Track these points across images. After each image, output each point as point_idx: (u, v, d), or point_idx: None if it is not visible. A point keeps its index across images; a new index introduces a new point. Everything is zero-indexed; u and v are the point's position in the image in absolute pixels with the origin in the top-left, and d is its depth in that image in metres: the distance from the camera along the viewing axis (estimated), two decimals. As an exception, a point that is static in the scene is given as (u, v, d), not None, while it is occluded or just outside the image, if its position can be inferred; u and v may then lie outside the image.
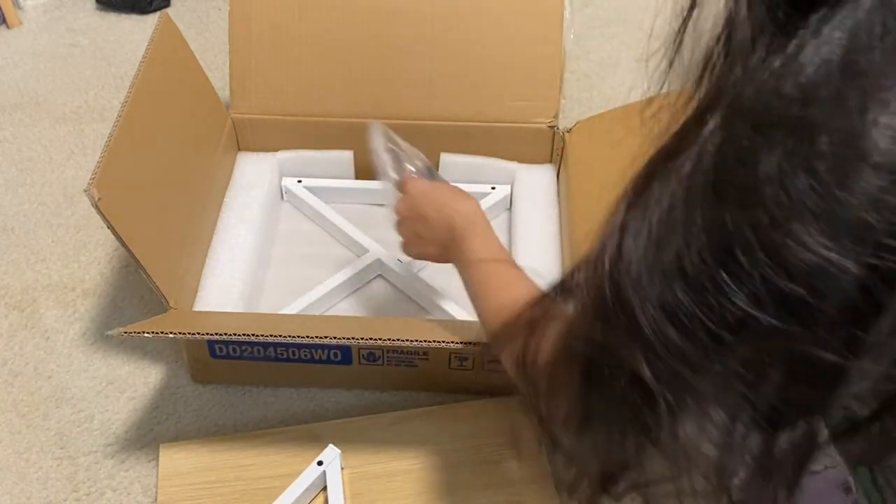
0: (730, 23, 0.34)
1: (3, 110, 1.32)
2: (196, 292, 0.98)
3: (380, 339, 0.80)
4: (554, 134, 1.10)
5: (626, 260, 0.37)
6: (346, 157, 1.12)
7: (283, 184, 1.14)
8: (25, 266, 1.11)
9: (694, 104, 0.37)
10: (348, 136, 1.10)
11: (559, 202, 1.08)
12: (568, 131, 1.09)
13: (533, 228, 1.05)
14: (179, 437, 0.94)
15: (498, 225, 1.12)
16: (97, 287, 1.09)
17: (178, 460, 0.90)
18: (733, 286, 0.33)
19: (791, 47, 0.31)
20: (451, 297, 1.03)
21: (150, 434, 0.94)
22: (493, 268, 0.73)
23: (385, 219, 0.93)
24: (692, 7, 0.38)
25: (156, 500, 0.88)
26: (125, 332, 0.79)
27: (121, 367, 1.01)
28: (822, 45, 0.31)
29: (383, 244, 1.06)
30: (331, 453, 0.86)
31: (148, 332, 0.80)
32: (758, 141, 0.32)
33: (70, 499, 0.90)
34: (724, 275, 0.33)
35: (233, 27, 1.07)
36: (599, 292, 0.38)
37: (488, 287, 0.71)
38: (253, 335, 0.81)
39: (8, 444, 0.94)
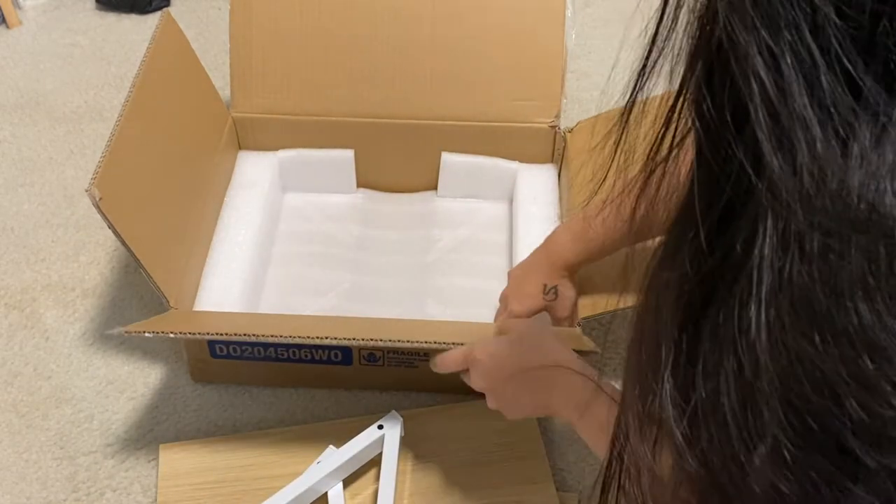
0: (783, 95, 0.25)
1: (3, 110, 1.32)
2: (196, 292, 0.97)
3: (380, 340, 0.80)
4: (555, 134, 1.09)
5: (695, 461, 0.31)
6: (347, 155, 1.12)
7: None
8: (25, 266, 1.11)
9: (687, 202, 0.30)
10: (349, 134, 1.10)
11: (560, 202, 1.08)
12: (569, 131, 1.09)
13: (533, 229, 1.05)
14: (179, 437, 0.94)
15: (498, 225, 1.12)
16: (97, 287, 1.09)
17: (178, 460, 0.90)
18: (853, 486, 0.28)
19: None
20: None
21: (150, 434, 0.94)
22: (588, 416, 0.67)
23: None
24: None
25: (156, 500, 0.88)
26: (126, 332, 0.79)
27: (121, 367, 1.01)
28: None
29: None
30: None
31: (148, 332, 0.80)
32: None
33: (70, 499, 0.90)
34: (838, 472, 0.28)
35: (233, 26, 1.06)
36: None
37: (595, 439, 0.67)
38: (253, 335, 0.81)
39: (8, 445, 0.94)
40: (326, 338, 0.80)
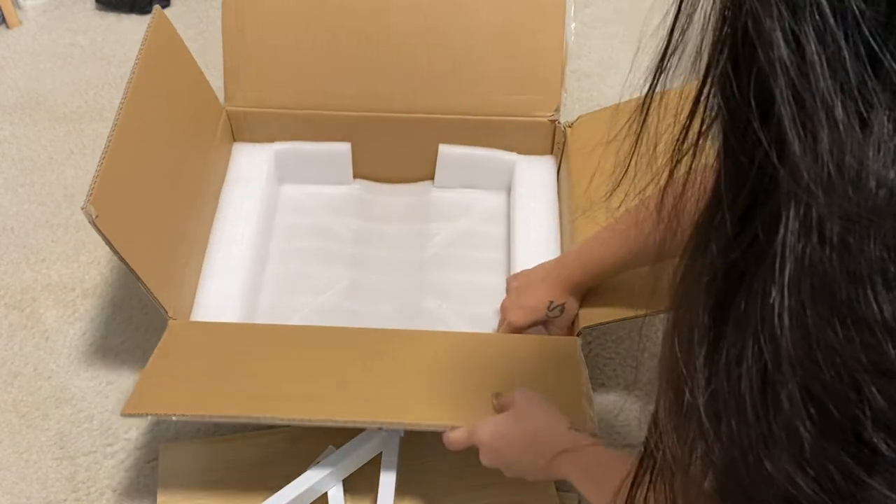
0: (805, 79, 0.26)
1: (3, 110, 1.32)
2: (196, 293, 0.97)
3: (375, 421, 0.80)
4: (555, 128, 1.08)
5: (721, 451, 0.32)
6: (344, 149, 1.11)
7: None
8: (25, 266, 1.11)
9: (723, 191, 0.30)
10: (346, 128, 1.09)
11: (559, 197, 1.07)
12: (569, 126, 1.08)
13: (532, 221, 1.04)
14: (179, 437, 0.94)
15: (496, 217, 1.12)
16: (97, 287, 1.09)
17: (178, 460, 0.90)
18: (866, 476, 0.28)
19: None
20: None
21: (149, 434, 0.94)
22: (592, 466, 0.70)
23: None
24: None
25: (156, 500, 0.88)
26: (126, 414, 0.78)
27: (121, 367, 1.01)
28: None
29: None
30: None
31: (150, 414, 0.80)
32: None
33: (70, 499, 0.90)
34: (851, 461, 0.28)
35: (225, 18, 1.05)
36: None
37: (596, 486, 0.69)
38: (246, 416, 0.79)
39: (8, 445, 0.94)
40: (310, 420, 0.79)
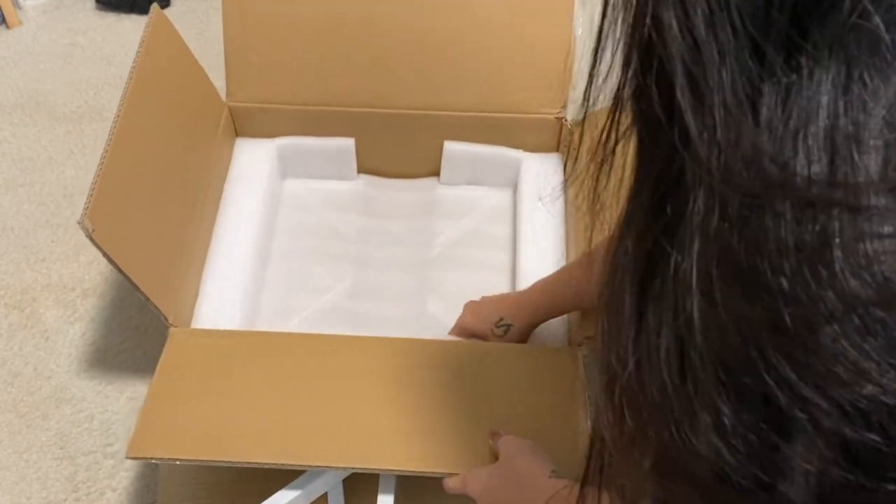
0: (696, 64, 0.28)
1: (3, 110, 1.32)
2: (197, 296, 0.96)
3: (368, 468, 0.79)
4: (562, 125, 1.07)
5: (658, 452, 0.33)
6: (348, 144, 1.10)
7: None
8: (25, 266, 1.11)
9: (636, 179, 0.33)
10: (350, 124, 1.08)
11: (565, 195, 1.07)
12: (577, 123, 1.07)
13: (538, 220, 1.03)
14: (180, 436, 0.94)
15: (501, 216, 1.12)
16: (97, 287, 1.09)
17: (178, 460, 0.90)
18: (785, 442, 0.29)
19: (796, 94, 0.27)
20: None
21: (150, 434, 0.94)
22: None
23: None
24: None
25: (156, 500, 0.88)
26: (131, 457, 0.78)
27: (121, 366, 1.00)
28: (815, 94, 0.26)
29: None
30: None
31: (155, 459, 0.79)
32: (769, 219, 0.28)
33: (70, 499, 0.90)
34: (769, 430, 0.29)
35: (226, 13, 1.03)
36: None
37: None
38: (245, 461, 0.78)
39: (8, 445, 0.94)
40: (310, 466, 0.79)
